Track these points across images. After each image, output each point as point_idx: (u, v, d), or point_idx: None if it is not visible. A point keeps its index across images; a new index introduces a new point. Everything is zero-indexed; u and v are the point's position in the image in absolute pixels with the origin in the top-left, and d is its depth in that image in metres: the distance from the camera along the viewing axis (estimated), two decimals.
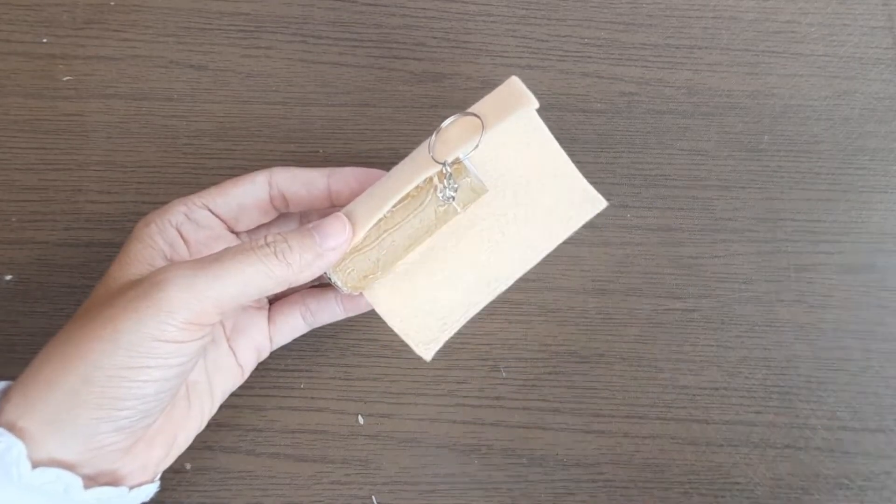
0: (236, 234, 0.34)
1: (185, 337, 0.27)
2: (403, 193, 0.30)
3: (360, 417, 0.37)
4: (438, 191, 0.31)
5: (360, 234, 0.30)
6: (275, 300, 0.36)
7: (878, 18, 0.45)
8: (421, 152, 0.31)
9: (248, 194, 0.33)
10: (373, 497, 0.36)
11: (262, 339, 0.34)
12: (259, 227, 0.35)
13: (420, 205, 0.31)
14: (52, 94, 0.41)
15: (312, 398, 0.37)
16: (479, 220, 0.33)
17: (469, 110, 0.31)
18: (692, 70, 0.43)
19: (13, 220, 0.39)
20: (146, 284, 0.27)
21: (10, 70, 0.41)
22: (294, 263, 0.28)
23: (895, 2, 0.45)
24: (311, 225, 0.30)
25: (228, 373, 0.33)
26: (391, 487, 0.36)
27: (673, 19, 0.44)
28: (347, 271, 0.31)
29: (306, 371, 0.38)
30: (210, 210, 0.33)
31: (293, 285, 0.29)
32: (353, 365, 0.38)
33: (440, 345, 0.32)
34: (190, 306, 0.26)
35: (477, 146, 0.30)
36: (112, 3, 0.43)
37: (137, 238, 0.31)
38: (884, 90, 0.44)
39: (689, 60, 0.44)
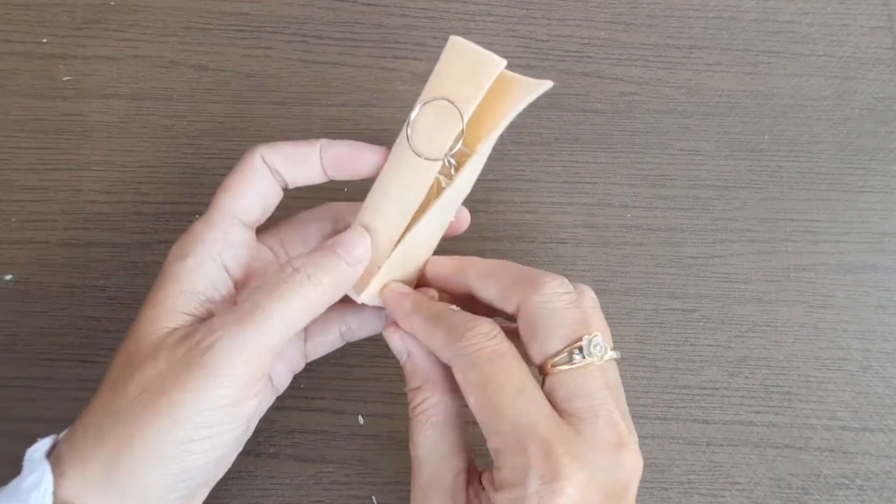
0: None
1: (244, 395, 0.26)
2: (419, 204, 0.29)
3: (360, 417, 0.37)
4: (443, 183, 0.29)
5: (389, 254, 0.30)
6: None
7: (878, 18, 0.45)
8: (405, 152, 0.29)
9: (260, 185, 0.31)
10: (373, 497, 0.36)
11: (298, 359, 0.34)
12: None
13: None
14: (52, 94, 0.41)
15: (312, 398, 0.37)
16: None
17: (434, 97, 0.29)
18: (692, 70, 0.43)
19: (13, 220, 0.39)
20: (194, 352, 0.25)
21: (10, 70, 0.41)
22: (326, 282, 0.28)
23: (895, 2, 0.45)
24: (329, 242, 0.29)
25: (264, 399, 0.33)
26: (391, 487, 0.36)
27: (673, 19, 0.44)
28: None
29: (306, 371, 0.38)
30: (239, 219, 0.30)
31: (331, 303, 0.29)
32: (353, 365, 0.38)
33: None
34: (244, 364, 0.26)
35: (463, 131, 0.28)
36: (112, 3, 0.43)
37: (172, 278, 0.28)
38: (884, 90, 0.44)
39: (689, 60, 0.44)
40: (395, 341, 0.30)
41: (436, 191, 0.30)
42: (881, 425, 0.38)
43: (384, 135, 0.41)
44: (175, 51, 0.42)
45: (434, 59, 0.31)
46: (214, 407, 0.25)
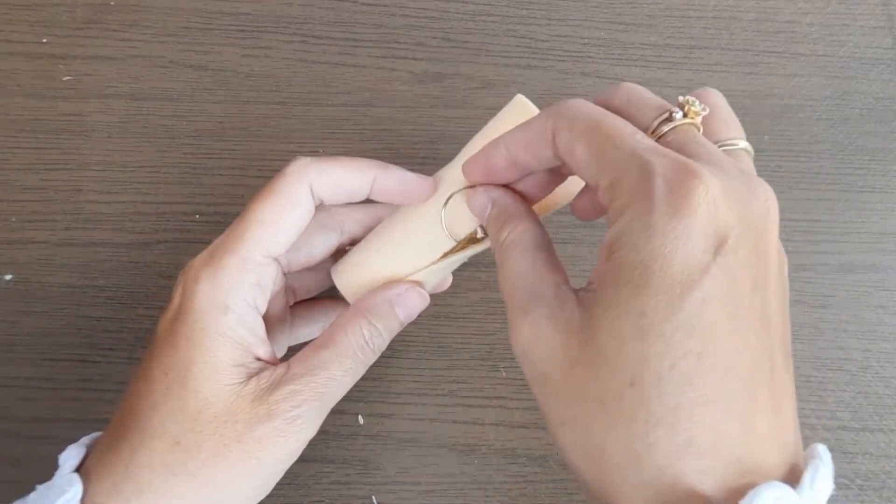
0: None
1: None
2: (443, 253, 0.30)
3: (360, 417, 0.37)
4: (479, 233, 0.30)
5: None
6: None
7: (878, 18, 0.45)
8: (432, 221, 0.30)
9: (300, 218, 0.29)
10: (373, 497, 0.36)
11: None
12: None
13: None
14: (52, 94, 0.41)
15: None
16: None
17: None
18: (692, 70, 0.43)
19: (13, 220, 0.39)
20: (281, 419, 0.27)
21: (10, 70, 0.41)
22: (383, 348, 0.30)
23: (895, 2, 0.45)
24: (392, 298, 0.30)
25: None
26: (391, 487, 0.36)
27: (673, 19, 0.44)
28: None
29: None
30: (272, 257, 0.29)
31: None
32: None
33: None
34: (319, 426, 0.29)
35: None
36: (112, 3, 0.43)
37: (219, 333, 0.27)
38: (884, 90, 0.44)
39: (689, 60, 0.44)
40: (479, 196, 0.29)
41: (466, 239, 0.30)
42: (881, 425, 0.38)
43: (384, 135, 0.41)
44: (175, 51, 0.42)
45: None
46: (289, 459, 0.28)
